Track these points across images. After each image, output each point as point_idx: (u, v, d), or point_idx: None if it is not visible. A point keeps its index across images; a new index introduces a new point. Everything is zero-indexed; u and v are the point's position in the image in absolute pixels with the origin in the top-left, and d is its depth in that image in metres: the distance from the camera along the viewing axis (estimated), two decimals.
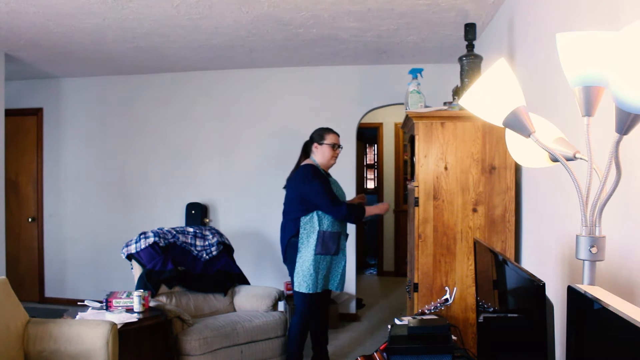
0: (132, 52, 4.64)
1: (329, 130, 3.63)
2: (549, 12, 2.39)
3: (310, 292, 3.46)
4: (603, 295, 1.10)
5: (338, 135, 3.66)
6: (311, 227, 3.50)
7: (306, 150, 3.69)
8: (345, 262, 3.63)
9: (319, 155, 3.60)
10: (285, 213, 3.65)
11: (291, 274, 3.56)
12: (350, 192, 5.20)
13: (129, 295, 3.32)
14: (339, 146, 3.66)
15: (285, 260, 3.64)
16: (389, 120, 7.32)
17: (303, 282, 3.47)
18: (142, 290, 3.34)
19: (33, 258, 5.89)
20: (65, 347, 2.71)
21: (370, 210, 3.60)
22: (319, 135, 3.62)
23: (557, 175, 2.20)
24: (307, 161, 3.61)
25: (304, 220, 3.50)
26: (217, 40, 4.28)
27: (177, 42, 4.31)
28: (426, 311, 2.64)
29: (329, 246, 3.51)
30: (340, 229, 3.58)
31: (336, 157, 3.66)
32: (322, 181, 3.47)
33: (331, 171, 3.73)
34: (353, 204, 3.58)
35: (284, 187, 3.70)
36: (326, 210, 3.45)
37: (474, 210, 2.82)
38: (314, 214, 3.49)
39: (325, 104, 5.23)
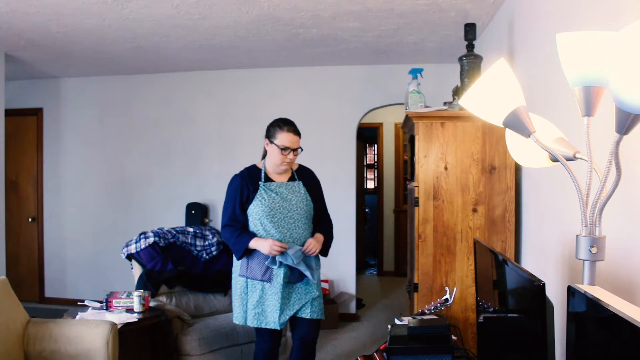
0: (132, 52, 4.64)
1: (282, 126, 2.80)
2: (549, 12, 2.39)
3: (241, 323, 2.84)
4: (603, 295, 1.10)
5: (296, 134, 2.82)
6: None
7: None
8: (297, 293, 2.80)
9: (268, 154, 2.88)
10: None
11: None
12: (350, 193, 5.20)
13: (129, 295, 3.32)
14: (293, 150, 2.80)
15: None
16: (389, 120, 7.32)
17: (234, 310, 2.87)
18: (142, 290, 3.34)
19: (33, 258, 5.89)
20: (65, 347, 2.71)
21: (252, 244, 2.75)
22: (271, 130, 2.84)
23: (557, 175, 2.20)
24: (260, 162, 2.96)
25: None
26: (217, 40, 4.28)
27: (177, 42, 4.31)
28: (426, 311, 2.64)
29: (253, 270, 2.78)
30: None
31: (288, 163, 2.82)
32: (230, 193, 2.85)
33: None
34: (242, 237, 2.77)
35: None
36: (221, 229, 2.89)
37: (474, 210, 2.82)
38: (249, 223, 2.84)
39: (325, 104, 5.23)
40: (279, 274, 2.74)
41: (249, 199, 2.80)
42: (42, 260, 5.88)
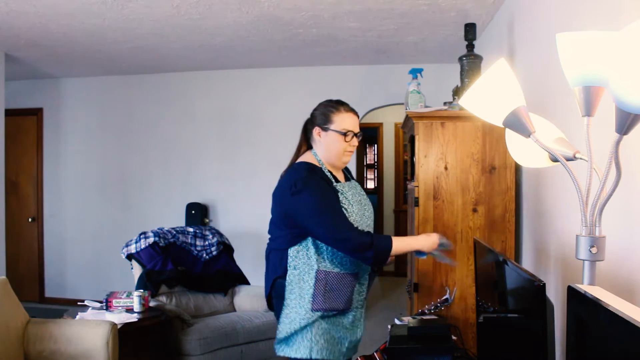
0: (132, 52, 4.64)
1: (338, 107, 2.20)
2: (549, 12, 2.39)
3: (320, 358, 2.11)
4: (603, 295, 1.10)
5: (356, 114, 2.24)
6: (305, 263, 2.11)
7: (307, 135, 2.30)
8: (362, 327, 2.27)
9: (322, 147, 2.21)
10: (269, 237, 2.31)
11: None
12: None
13: (129, 295, 3.32)
14: (357, 134, 2.21)
15: (269, 306, 2.37)
16: (389, 120, 7.32)
17: (301, 345, 2.13)
18: (142, 290, 3.34)
19: (33, 258, 5.89)
20: (65, 347, 2.71)
21: (410, 243, 2.24)
22: (322, 115, 2.20)
23: (557, 175, 2.20)
24: (304, 156, 2.25)
25: (292, 252, 2.12)
26: (217, 40, 4.28)
27: (177, 42, 4.31)
28: (426, 311, 2.64)
29: (335, 298, 2.12)
30: (358, 268, 2.17)
31: (351, 152, 2.23)
32: (319, 190, 2.09)
33: None
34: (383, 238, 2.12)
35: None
36: (329, 241, 2.07)
37: (474, 210, 2.81)
38: (309, 241, 2.11)
39: None
40: (360, 293, 2.20)
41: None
42: (42, 260, 5.88)
